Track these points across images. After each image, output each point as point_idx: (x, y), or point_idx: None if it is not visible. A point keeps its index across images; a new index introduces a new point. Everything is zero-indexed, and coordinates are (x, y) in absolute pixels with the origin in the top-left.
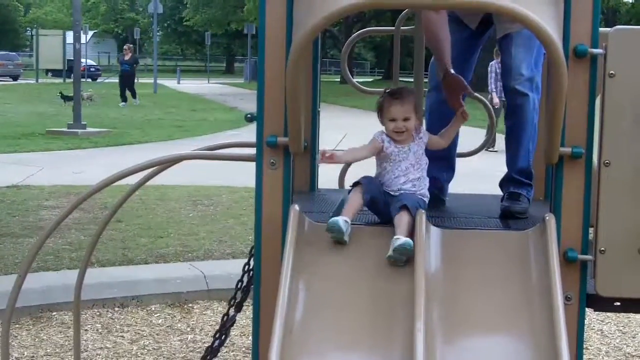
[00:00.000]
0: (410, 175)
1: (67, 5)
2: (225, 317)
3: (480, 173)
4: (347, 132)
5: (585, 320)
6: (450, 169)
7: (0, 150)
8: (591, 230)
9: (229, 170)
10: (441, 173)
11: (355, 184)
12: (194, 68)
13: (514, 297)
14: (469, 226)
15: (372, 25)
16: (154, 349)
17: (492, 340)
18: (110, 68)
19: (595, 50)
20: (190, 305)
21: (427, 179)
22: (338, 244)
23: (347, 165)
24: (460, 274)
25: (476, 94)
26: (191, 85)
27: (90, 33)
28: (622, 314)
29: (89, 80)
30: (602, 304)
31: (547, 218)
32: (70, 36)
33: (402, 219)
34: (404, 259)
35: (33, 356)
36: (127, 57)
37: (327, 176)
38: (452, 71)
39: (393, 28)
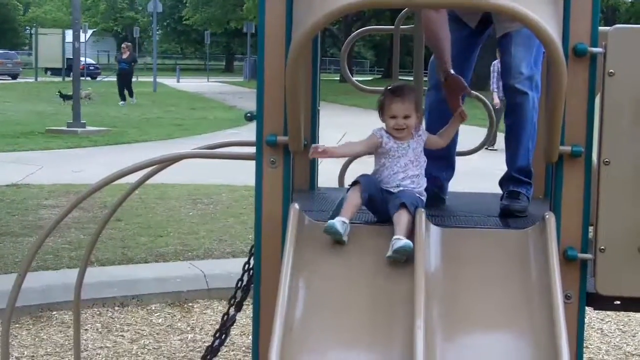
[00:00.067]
0: (409, 172)
1: (67, 4)
2: (226, 316)
3: (480, 171)
4: (347, 130)
5: (585, 319)
6: (450, 168)
7: (0, 149)
8: (591, 228)
9: (229, 169)
10: (441, 172)
11: (354, 183)
12: (194, 67)
13: (514, 295)
14: (469, 225)
15: (371, 24)
16: (154, 348)
17: (492, 339)
18: (110, 67)
19: (594, 49)
20: (190, 304)
21: (425, 179)
22: (337, 243)
23: (347, 163)
24: (460, 272)
25: (476, 93)
26: (191, 84)
27: (90, 32)
28: (622, 312)
29: (89, 78)
30: (602, 302)
31: (547, 217)
32: (69, 35)
33: (401, 217)
34: (404, 259)
35: (33, 355)
36: (125, 56)
37: (327, 175)
38: (452, 71)
39: (392, 27)
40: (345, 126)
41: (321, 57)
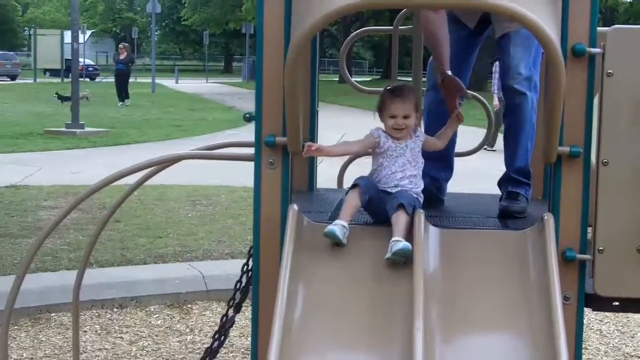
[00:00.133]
0: (407, 172)
1: (65, 5)
2: (224, 317)
3: (478, 172)
4: (346, 131)
5: (584, 320)
6: (449, 169)
7: None
8: (590, 229)
9: (228, 170)
10: (440, 172)
11: (353, 186)
12: (192, 67)
13: (513, 296)
14: (468, 225)
15: (370, 24)
16: (153, 350)
17: (490, 340)
18: (109, 68)
19: (593, 50)
20: (189, 305)
21: (422, 181)
22: (336, 245)
23: (346, 164)
24: (459, 273)
25: (475, 93)
26: (189, 85)
27: (88, 33)
28: (621, 313)
29: (87, 79)
30: (601, 303)
31: (546, 217)
32: (68, 36)
33: (399, 218)
34: (403, 260)
35: (32, 357)
36: (122, 57)
37: (325, 176)
38: (450, 72)
39: (391, 27)
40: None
41: (320, 58)
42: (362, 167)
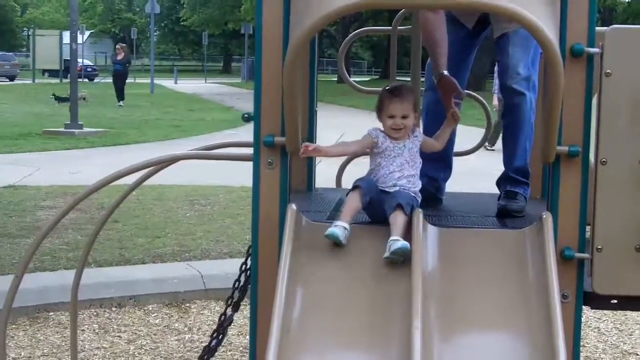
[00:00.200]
0: (406, 172)
1: (64, 6)
2: (223, 316)
3: (477, 172)
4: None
5: (582, 318)
6: (448, 168)
7: None
8: (588, 228)
9: (226, 170)
10: (438, 172)
11: (354, 188)
12: (191, 68)
13: (511, 295)
14: (466, 225)
15: (369, 24)
16: (152, 349)
17: (489, 338)
18: (107, 68)
19: (591, 50)
20: (187, 305)
21: (420, 181)
22: (335, 245)
23: (345, 164)
24: (458, 272)
25: (473, 93)
26: (188, 85)
27: (87, 33)
28: (619, 311)
29: (86, 80)
30: (599, 301)
31: (544, 216)
32: (67, 36)
33: (397, 218)
34: (402, 259)
35: (30, 356)
36: (119, 57)
37: (324, 175)
38: (446, 72)
39: (390, 28)
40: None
41: (319, 58)
42: (360, 167)
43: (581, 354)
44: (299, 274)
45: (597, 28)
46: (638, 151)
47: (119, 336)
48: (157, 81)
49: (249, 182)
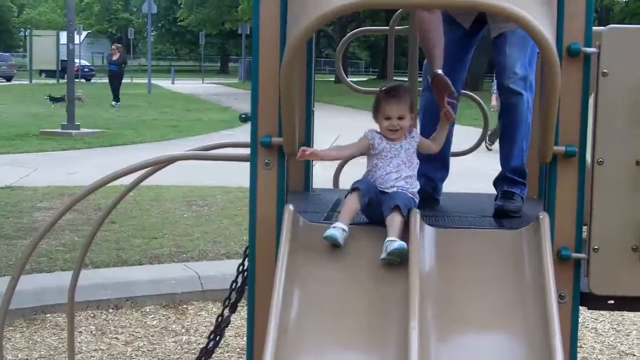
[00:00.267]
0: (403, 173)
1: (61, 6)
2: (220, 317)
3: (474, 172)
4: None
5: (579, 319)
6: (444, 168)
7: None
8: (585, 228)
9: (223, 170)
10: (435, 172)
11: (352, 190)
12: (188, 68)
13: (508, 295)
14: (463, 225)
15: (366, 24)
16: (149, 350)
17: (486, 339)
18: (104, 68)
19: (588, 49)
20: (184, 306)
21: (418, 182)
22: (333, 245)
23: (342, 164)
24: (455, 272)
25: (470, 93)
26: (185, 86)
27: (84, 33)
28: (616, 312)
29: (83, 80)
30: (596, 302)
31: (541, 217)
32: (64, 37)
33: (394, 219)
34: (399, 260)
35: (27, 358)
36: (115, 57)
37: (321, 176)
38: (440, 71)
39: (387, 28)
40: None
41: (316, 58)
42: (358, 168)
43: (578, 355)
44: (296, 274)
45: (594, 28)
46: (635, 151)
47: (116, 338)
48: (154, 81)
49: (246, 183)
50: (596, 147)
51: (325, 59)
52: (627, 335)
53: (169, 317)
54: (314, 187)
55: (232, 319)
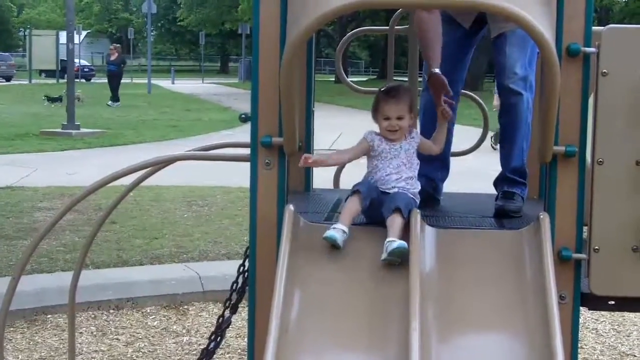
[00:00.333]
0: (403, 174)
1: (61, 6)
2: (221, 318)
3: (474, 172)
4: (342, 131)
5: (580, 319)
6: (445, 168)
7: None
8: (585, 228)
9: (224, 170)
10: (435, 172)
11: (353, 192)
12: (188, 68)
13: (509, 296)
14: (464, 225)
15: (366, 24)
16: (149, 351)
17: (486, 339)
18: (104, 68)
19: (588, 49)
20: (185, 307)
21: (418, 182)
22: (333, 246)
23: (342, 165)
24: (455, 273)
25: (470, 93)
26: (185, 85)
27: (84, 33)
28: (617, 312)
29: (83, 80)
30: (597, 302)
31: (541, 217)
32: (63, 36)
33: (394, 221)
34: (399, 261)
35: (27, 359)
36: (113, 58)
37: (322, 176)
38: (437, 71)
39: (387, 27)
40: (340, 127)
41: (316, 58)
42: (358, 168)
43: (579, 356)
44: (296, 275)
45: (593, 28)
46: (635, 151)
47: (117, 339)
48: (154, 81)
49: (246, 183)
50: (596, 147)
51: (326, 59)
52: (628, 336)
53: (170, 318)
54: (314, 187)
55: (233, 319)
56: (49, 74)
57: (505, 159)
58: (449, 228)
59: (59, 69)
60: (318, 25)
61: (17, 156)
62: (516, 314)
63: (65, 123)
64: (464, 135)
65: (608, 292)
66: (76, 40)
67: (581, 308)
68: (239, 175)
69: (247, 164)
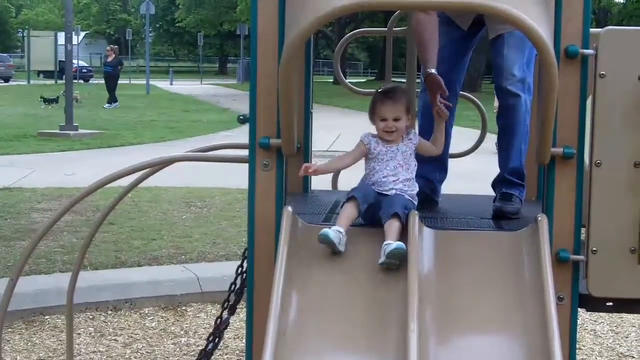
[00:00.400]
0: (400, 176)
1: (59, 7)
2: (219, 319)
3: (472, 173)
4: (341, 132)
5: (578, 321)
6: (443, 170)
7: None
8: (583, 230)
9: (222, 171)
10: (434, 174)
11: (349, 199)
12: (187, 69)
13: (507, 297)
14: (462, 227)
15: (365, 25)
16: (148, 352)
17: (485, 341)
18: (102, 69)
19: (586, 51)
20: (183, 308)
21: (416, 183)
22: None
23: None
24: (453, 274)
25: (469, 95)
26: (184, 87)
27: (82, 34)
28: (615, 314)
29: (81, 81)
30: (595, 304)
31: (540, 218)
32: (61, 37)
33: (392, 225)
34: (397, 264)
35: None
36: (109, 59)
37: (320, 177)
38: (433, 71)
39: (385, 29)
40: (338, 128)
41: (314, 59)
42: (356, 169)
43: (577, 357)
44: (295, 276)
45: (591, 29)
46: (632, 153)
47: (115, 340)
48: (152, 82)
49: (245, 184)
50: (594, 148)
51: (324, 60)
52: (626, 337)
53: (168, 319)
54: (312, 188)
55: (231, 320)
56: (47, 74)
57: (503, 161)
58: (447, 229)
59: (57, 69)
60: (317, 27)
61: (15, 157)
62: (514, 315)
63: (64, 124)
64: (462, 136)
65: (606, 294)
66: (74, 41)
67: (579, 309)
68: (237, 176)
69: (246, 165)
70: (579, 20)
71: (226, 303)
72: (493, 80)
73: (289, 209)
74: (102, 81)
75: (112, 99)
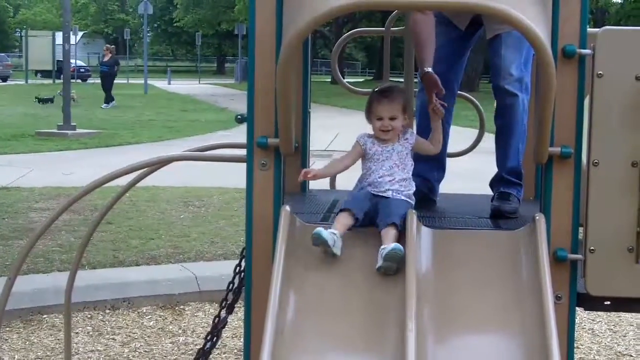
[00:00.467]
0: (396, 176)
1: (57, 6)
2: (217, 318)
3: (470, 172)
4: (339, 132)
5: (576, 320)
6: (441, 169)
7: None
8: (581, 229)
9: (220, 171)
10: (431, 173)
11: (342, 210)
12: (185, 69)
13: (505, 296)
14: (460, 226)
15: (363, 25)
16: (146, 351)
17: (483, 340)
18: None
19: (583, 51)
20: (181, 307)
21: (413, 183)
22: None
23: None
24: (451, 274)
25: (467, 94)
26: (182, 86)
27: (80, 34)
28: (613, 313)
29: (79, 81)
30: (593, 303)
31: (537, 218)
32: (59, 37)
33: (389, 232)
34: (395, 267)
35: (24, 359)
36: (106, 58)
37: None
38: (429, 69)
39: (383, 29)
40: (336, 128)
41: (312, 59)
42: (354, 169)
43: (575, 356)
44: (293, 275)
45: (589, 29)
46: (630, 152)
47: (113, 339)
48: (150, 82)
49: (242, 183)
50: (592, 148)
51: (322, 60)
52: (624, 336)
53: (166, 318)
54: (310, 188)
55: (229, 320)
56: (45, 74)
57: (501, 160)
58: (445, 229)
59: (55, 69)
60: (314, 26)
61: (13, 157)
62: (512, 314)
63: (61, 124)
64: (460, 136)
65: (604, 293)
66: (72, 41)
67: (577, 308)
68: (235, 175)
69: (244, 165)
70: (577, 20)
71: (224, 302)
72: (491, 80)
73: (287, 208)
74: (99, 81)
75: (109, 99)
